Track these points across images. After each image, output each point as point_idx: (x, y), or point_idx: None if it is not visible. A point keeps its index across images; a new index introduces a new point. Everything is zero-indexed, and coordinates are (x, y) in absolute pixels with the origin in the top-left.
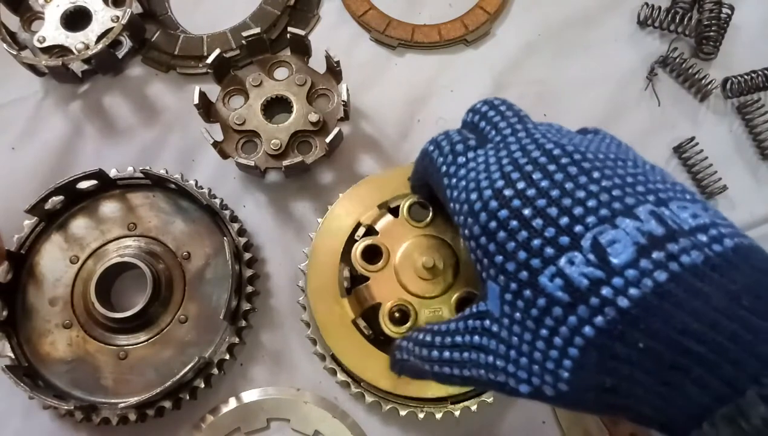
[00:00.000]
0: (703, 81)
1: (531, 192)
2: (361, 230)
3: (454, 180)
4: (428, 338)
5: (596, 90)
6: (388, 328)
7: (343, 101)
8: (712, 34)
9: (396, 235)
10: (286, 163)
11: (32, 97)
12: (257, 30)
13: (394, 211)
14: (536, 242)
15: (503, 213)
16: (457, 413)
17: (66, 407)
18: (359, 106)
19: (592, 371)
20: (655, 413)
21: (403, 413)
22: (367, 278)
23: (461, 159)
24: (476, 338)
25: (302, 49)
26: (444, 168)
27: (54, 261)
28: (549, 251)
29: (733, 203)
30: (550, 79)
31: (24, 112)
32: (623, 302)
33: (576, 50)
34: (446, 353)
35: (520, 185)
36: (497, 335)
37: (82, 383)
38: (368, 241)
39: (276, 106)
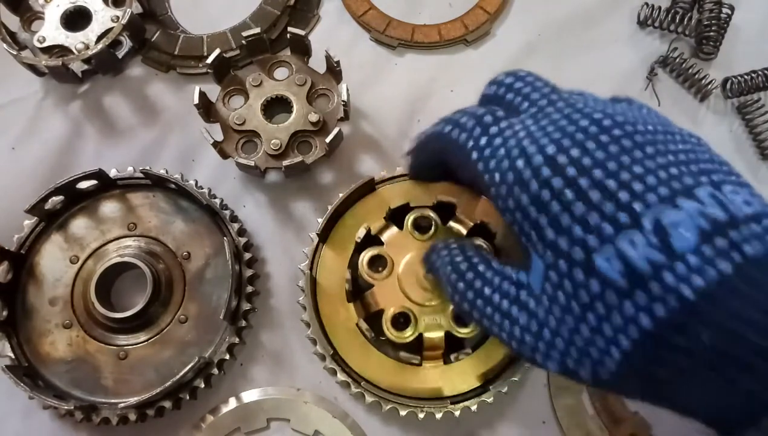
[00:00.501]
0: (703, 81)
1: (587, 161)
2: (362, 231)
3: (487, 150)
4: (462, 266)
5: (596, 90)
6: (391, 333)
7: (343, 101)
8: (712, 34)
9: (400, 246)
10: (286, 163)
11: (32, 97)
12: (257, 30)
13: (399, 223)
14: (594, 217)
15: (557, 182)
16: (457, 413)
17: (66, 407)
18: (359, 106)
19: (644, 362)
20: (706, 408)
21: (403, 413)
22: (372, 285)
23: (494, 129)
24: (505, 303)
25: (302, 49)
26: (471, 142)
27: (54, 261)
28: (608, 228)
29: None
30: (550, 79)
31: (24, 112)
32: (686, 291)
33: (576, 50)
34: (470, 294)
35: (575, 153)
36: (532, 312)
37: (82, 383)
38: (374, 251)
39: (276, 106)
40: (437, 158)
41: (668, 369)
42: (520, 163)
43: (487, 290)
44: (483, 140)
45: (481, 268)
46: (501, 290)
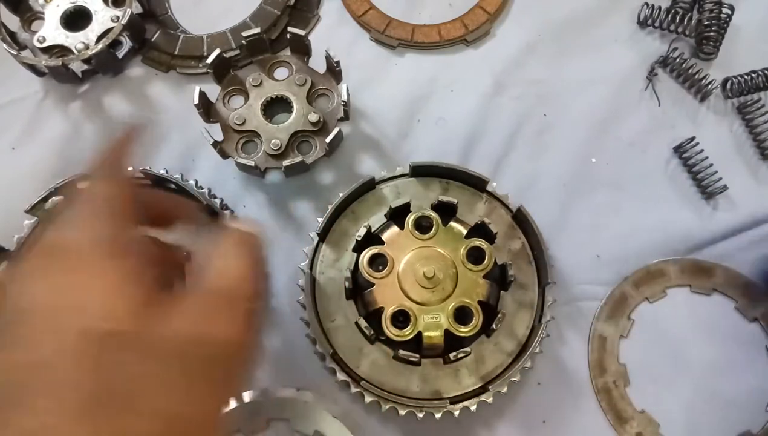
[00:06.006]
0: (703, 81)
1: None
2: (362, 230)
3: None
4: None
5: (596, 90)
6: (390, 331)
7: (343, 101)
8: (712, 34)
9: (400, 245)
10: (286, 163)
11: (32, 97)
12: (257, 30)
13: (400, 223)
14: None
15: None
16: (456, 413)
17: None
18: (359, 106)
19: None
20: None
21: (402, 412)
22: (372, 284)
23: None
24: None
25: (302, 49)
26: None
27: None
28: None
29: (733, 203)
30: (550, 79)
31: (24, 112)
32: None
33: (576, 50)
34: None
35: None
36: None
37: None
38: (375, 250)
39: (276, 106)
40: None
41: None
42: None
43: None
44: None
45: None
46: None
